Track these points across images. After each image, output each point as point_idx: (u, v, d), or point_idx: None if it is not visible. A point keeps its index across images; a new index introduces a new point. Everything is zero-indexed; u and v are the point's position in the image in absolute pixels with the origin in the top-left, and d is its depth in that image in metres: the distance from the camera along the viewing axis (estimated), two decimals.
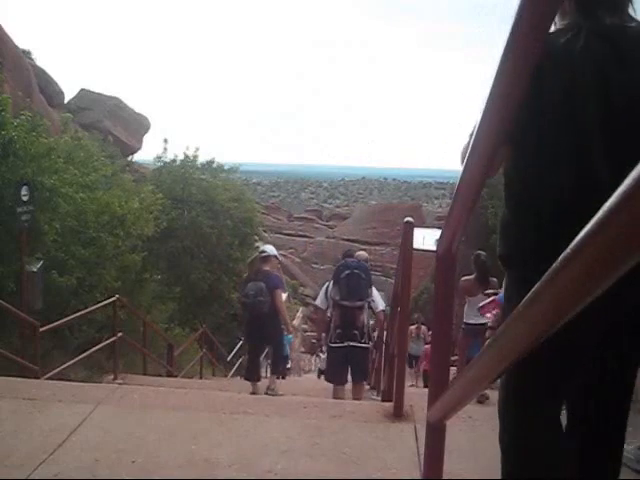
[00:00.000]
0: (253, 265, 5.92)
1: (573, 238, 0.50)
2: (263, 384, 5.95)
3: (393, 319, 4.73)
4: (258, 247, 20.33)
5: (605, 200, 0.45)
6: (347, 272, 5.19)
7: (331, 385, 5.42)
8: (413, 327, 12.42)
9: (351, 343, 5.15)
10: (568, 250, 0.54)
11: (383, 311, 5.66)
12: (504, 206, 1.49)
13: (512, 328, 0.76)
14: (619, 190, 0.45)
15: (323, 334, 5.63)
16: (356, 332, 5.15)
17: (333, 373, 5.45)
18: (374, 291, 5.43)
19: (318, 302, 5.73)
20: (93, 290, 8.16)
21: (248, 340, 6.18)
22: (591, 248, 0.50)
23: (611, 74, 1.29)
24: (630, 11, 1.41)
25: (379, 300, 5.49)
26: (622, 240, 0.45)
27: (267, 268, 5.81)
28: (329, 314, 5.40)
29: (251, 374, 5.96)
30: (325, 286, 5.62)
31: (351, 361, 5.25)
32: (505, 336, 0.80)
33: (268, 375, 6.78)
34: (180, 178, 15.54)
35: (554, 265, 0.58)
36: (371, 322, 5.70)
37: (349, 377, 5.44)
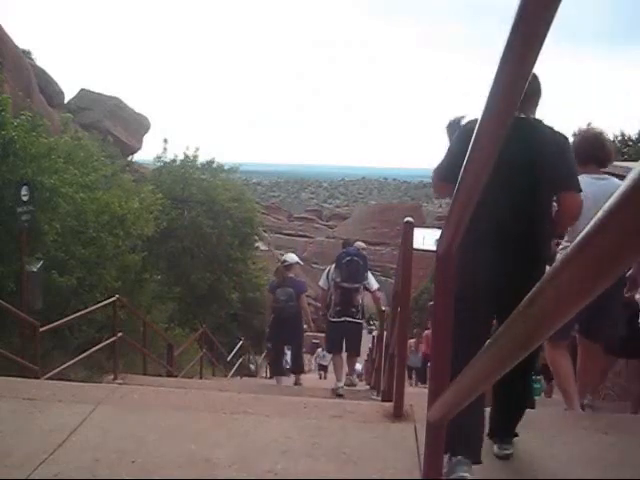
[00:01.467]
0: (279, 273, 6.78)
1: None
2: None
3: (393, 319, 4.73)
4: (258, 247, 20.16)
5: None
6: (347, 258, 5.97)
7: (331, 385, 6.14)
8: (412, 341, 12.45)
9: (348, 319, 6.01)
10: (568, 250, 0.54)
11: (378, 289, 6.38)
12: None
13: (512, 328, 0.76)
14: (619, 190, 0.45)
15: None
16: (353, 309, 6.02)
17: (332, 343, 6.32)
18: (369, 274, 6.23)
19: (321, 283, 6.50)
20: (93, 290, 8.16)
21: (275, 340, 6.83)
22: (591, 248, 0.50)
23: (514, 149, 1.97)
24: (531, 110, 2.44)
25: (373, 282, 6.29)
26: (622, 240, 0.45)
27: (291, 275, 6.75)
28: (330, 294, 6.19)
29: (278, 370, 6.87)
30: (327, 269, 6.40)
31: (347, 334, 6.12)
32: (505, 336, 0.80)
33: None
34: (180, 178, 15.53)
35: (554, 265, 0.58)
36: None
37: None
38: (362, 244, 6.65)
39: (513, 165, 2.12)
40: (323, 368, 16.34)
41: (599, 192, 2.88)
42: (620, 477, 2.40)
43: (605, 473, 2.43)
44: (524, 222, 2.26)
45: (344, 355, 6.40)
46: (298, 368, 7.09)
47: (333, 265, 6.19)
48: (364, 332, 7.19)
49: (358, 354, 6.72)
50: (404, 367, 3.46)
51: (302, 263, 7.74)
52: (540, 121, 2.45)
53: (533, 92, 2.44)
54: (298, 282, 6.83)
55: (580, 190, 2.42)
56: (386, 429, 2.86)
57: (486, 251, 2.19)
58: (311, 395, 5.21)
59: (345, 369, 6.43)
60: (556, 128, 2.48)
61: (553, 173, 2.34)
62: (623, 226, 0.45)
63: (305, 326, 6.86)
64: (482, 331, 2.22)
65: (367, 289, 6.19)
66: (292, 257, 7.05)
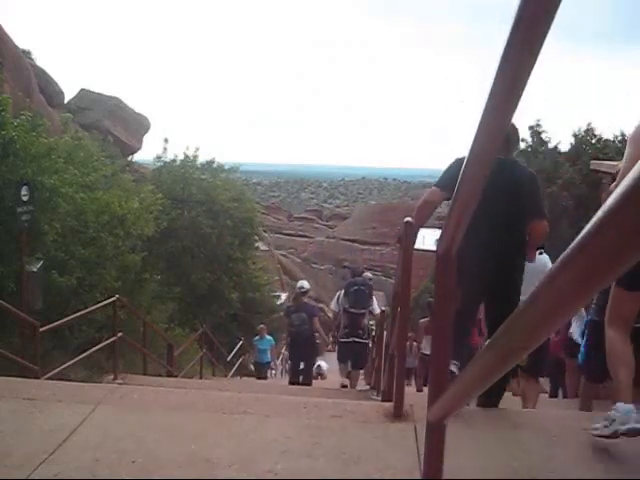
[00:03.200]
0: (297, 299, 7.91)
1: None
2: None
3: (393, 319, 4.73)
4: (258, 247, 20.19)
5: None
6: (355, 287, 7.08)
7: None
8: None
9: (355, 339, 7.09)
10: (568, 250, 0.54)
11: (383, 311, 7.11)
12: None
13: (512, 328, 0.76)
14: (619, 190, 0.45)
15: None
16: (360, 331, 7.11)
17: (341, 357, 7.47)
18: (374, 299, 7.31)
19: (332, 307, 7.66)
20: (93, 290, 8.16)
21: (292, 357, 8.11)
22: (591, 248, 0.50)
23: (499, 184, 2.54)
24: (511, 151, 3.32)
25: (376, 306, 7.34)
26: (622, 240, 0.45)
27: (305, 300, 7.84)
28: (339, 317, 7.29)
29: (295, 382, 7.91)
30: (337, 295, 7.48)
31: (353, 352, 7.16)
32: (505, 336, 0.80)
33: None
34: (180, 178, 15.52)
35: (554, 265, 0.58)
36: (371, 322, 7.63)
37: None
38: (369, 274, 7.95)
39: (498, 195, 2.73)
40: (320, 374, 16.61)
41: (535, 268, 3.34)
42: (620, 477, 2.40)
43: (605, 473, 2.43)
44: (506, 239, 3.05)
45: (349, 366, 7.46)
46: (308, 382, 8.07)
47: (342, 292, 7.25)
48: None
49: (362, 368, 7.83)
50: (404, 367, 3.47)
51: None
52: (517, 161, 3.39)
53: (514, 141, 3.39)
54: (311, 307, 7.90)
55: (546, 217, 3.26)
56: (386, 429, 2.86)
57: (476, 255, 2.78)
58: (318, 395, 5.22)
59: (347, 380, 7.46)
60: (529, 169, 3.44)
61: (528, 204, 3.18)
62: (623, 226, 0.45)
63: (318, 341, 8.08)
64: (474, 308, 3.30)
65: (371, 313, 7.30)
66: (306, 284, 8.25)
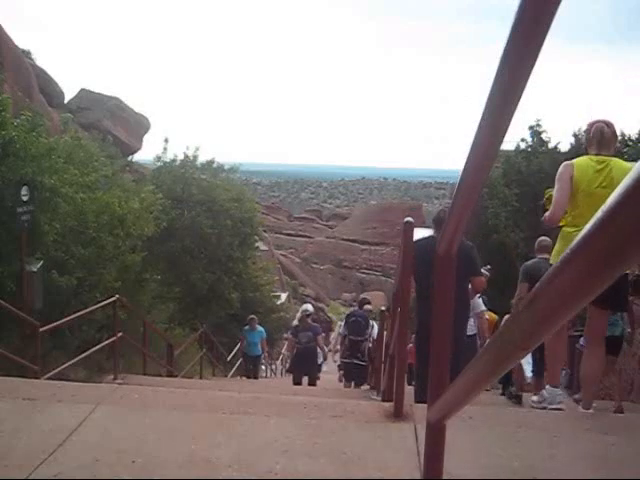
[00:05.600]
0: (303, 320, 8.92)
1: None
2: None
3: (393, 319, 4.73)
4: (258, 247, 20.20)
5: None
6: (353, 319, 8.72)
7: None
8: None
9: (355, 361, 8.50)
10: (568, 250, 0.54)
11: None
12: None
13: (512, 328, 0.76)
14: (619, 190, 0.45)
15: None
16: (359, 354, 8.51)
17: (346, 376, 8.89)
18: (374, 326, 8.53)
19: (340, 331, 9.68)
20: (93, 290, 8.15)
21: (295, 370, 8.96)
22: (591, 248, 0.50)
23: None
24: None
25: (375, 332, 8.35)
26: (622, 240, 0.45)
27: (309, 321, 8.87)
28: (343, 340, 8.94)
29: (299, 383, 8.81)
30: (344, 321, 9.31)
31: (354, 371, 8.64)
32: (505, 336, 0.80)
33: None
34: (180, 178, 15.51)
35: (554, 266, 0.58)
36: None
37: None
38: (369, 306, 9.29)
39: None
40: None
41: None
42: (620, 477, 2.40)
43: (605, 473, 2.43)
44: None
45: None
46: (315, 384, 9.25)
47: (344, 321, 9.12)
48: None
49: (365, 384, 8.85)
50: (404, 367, 3.46)
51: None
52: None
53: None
54: (315, 327, 8.95)
55: (482, 274, 4.68)
56: (386, 429, 2.86)
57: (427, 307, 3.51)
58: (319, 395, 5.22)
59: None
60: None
61: (470, 268, 4.26)
62: (623, 226, 0.45)
63: (321, 359, 9.13)
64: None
65: (372, 337, 8.51)
66: (310, 307, 9.60)
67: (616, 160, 3.51)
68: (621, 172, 3.35)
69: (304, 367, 8.67)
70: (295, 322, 9.81)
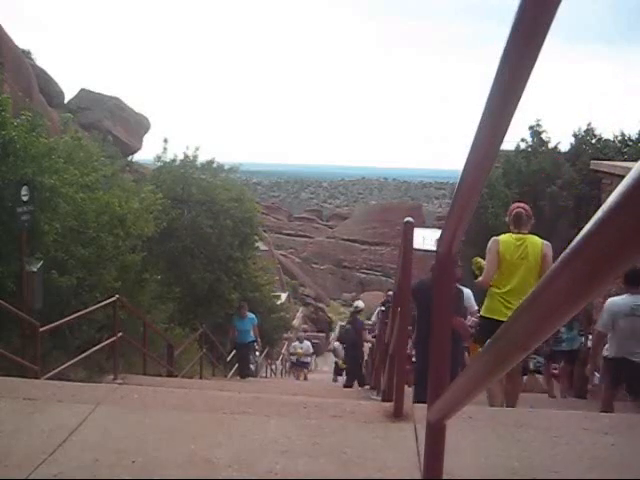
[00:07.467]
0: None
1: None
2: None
3: (393, 320, 4.73)
4: (258, 247, 20.26)
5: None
6: (346, 328, 10.72)
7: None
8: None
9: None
10: (568, 250, 0.54)
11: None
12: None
13: (512, 328, 0.76)
14: (619, 190, 0.45)
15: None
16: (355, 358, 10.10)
17: (348, 378, 10.32)
18: (367, 336, 10.38)
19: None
20: (93, 290, 8.14)
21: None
22: (591, 248, 0.50)
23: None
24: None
25: (369, 338, 10.48)
26: (622, 240, 0.45)
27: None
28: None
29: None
30: (338, 330, 11.60)
31: (354, 372, 10.04)
32: (505, 337, 0.80)
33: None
34: (180, 178, 15.49)
35: (554, 266, 0.58)
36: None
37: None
38: (359, 318, 10.63)
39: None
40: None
41: None
42: (620, 477, 2.40)
43: (605, 473, 2.43)
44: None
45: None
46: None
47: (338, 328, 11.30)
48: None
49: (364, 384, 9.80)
50: (404, 367, 3.47)
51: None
52: None
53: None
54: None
55: (464, 314, 5.13)
56: (386, 429, 2.86)
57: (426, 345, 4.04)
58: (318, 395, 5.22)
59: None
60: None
61: (459, 302, 4.72)
62: (623, 226, 0.45)
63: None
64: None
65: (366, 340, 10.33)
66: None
67: (531, 237, 4.44)
68: (534, 247, 4.37)
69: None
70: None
